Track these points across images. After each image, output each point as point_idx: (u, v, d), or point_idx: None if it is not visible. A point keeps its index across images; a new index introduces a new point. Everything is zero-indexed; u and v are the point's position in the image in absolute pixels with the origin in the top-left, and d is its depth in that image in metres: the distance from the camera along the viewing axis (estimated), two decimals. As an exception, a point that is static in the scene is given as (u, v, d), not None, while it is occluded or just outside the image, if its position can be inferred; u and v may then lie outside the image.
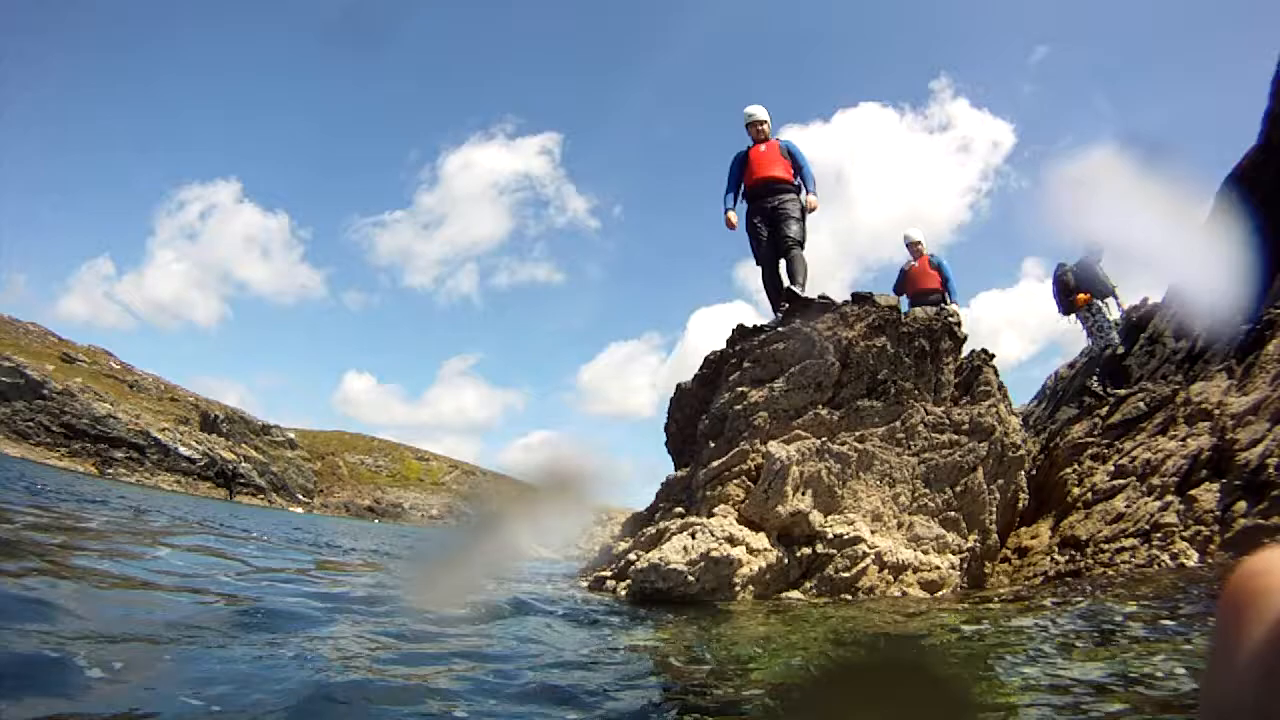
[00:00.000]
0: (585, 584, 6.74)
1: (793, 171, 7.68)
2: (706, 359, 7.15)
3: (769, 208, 7.55)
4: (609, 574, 6.31)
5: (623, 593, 5.94)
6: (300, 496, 58.68)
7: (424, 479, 70.05)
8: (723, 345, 7.13)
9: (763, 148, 7.77)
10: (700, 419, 6.61)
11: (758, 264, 7.60)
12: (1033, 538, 8.39)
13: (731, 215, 7.71)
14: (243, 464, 54.08)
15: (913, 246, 9.95)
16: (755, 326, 6.96)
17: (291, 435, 63.39)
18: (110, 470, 46.03)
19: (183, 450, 50.58)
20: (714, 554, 5.26)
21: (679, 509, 6.16)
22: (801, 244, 7.37)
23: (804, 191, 7.62)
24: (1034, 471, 9.24)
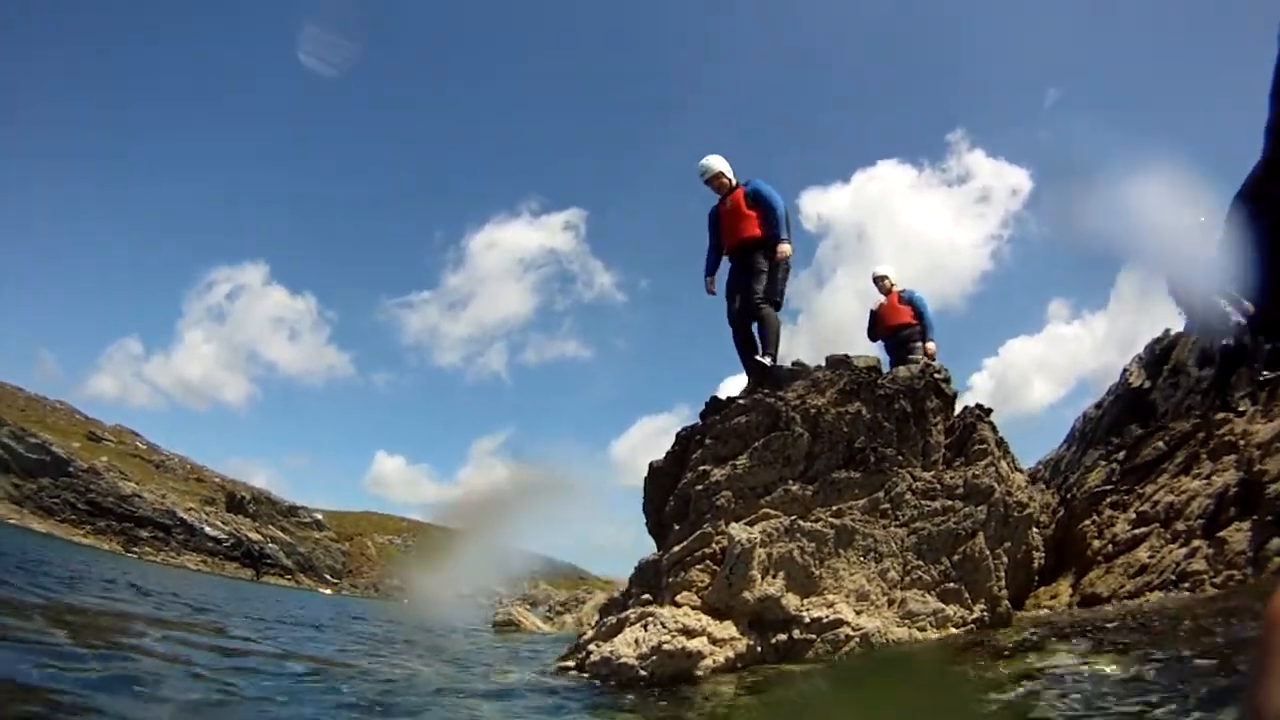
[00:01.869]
0: (553, 669, 6.33)
1: (761, 220, 6.92)
2: (678, 435, 6.71)
3: (740, 267, 7.01)
4: (571, 664, 5.88)
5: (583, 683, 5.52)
6: (328, 577, 58.31)
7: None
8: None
9: (728, 203, 7.11)
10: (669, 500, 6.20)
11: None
12: (1052, 598, 7.87)
13: (710, 282, 7.20)
14: (269, 545, 54.15)
15: (879, 282, 9.31)
16: (727, 399, 6.54)
17: (319, 516, 63.22)
18: (135, 549, 46.40)
19: (209, 530, 50.97)
20: (666, 647, 4.82)
21: (646, 595, 5.72)
22: (772, 301, 6.73)
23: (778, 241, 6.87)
24: (1051, 526, 8.71)
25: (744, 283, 6.92)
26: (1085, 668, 4.11)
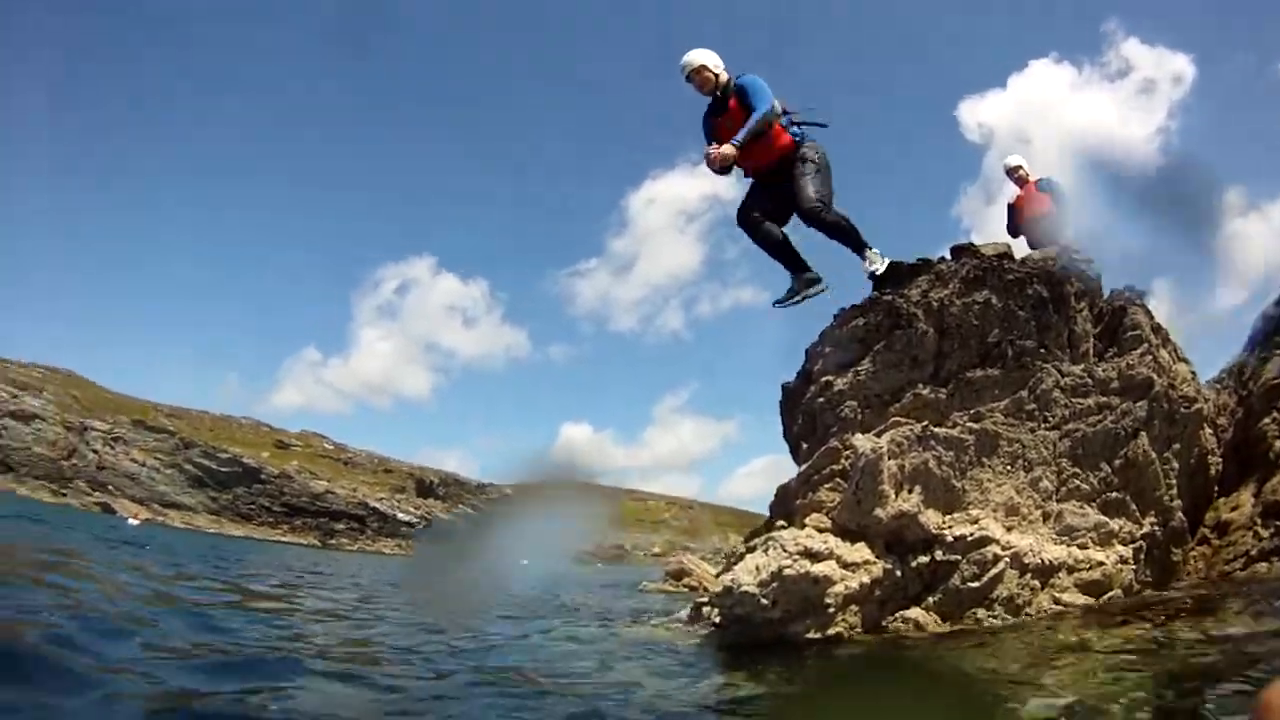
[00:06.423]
0: (688, 612, 6.05)
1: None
2: (807, 351, 6.15)
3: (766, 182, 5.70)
4: (705, 599, 5.55)
5: (716, 620, 5.19)
6: (522, 547, 60.48)
7: (642, 519, 70.60)
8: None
9: (726, 108, 5.61)
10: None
11: None
12: (1233, 509, 6.96)
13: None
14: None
15: (1013, 173, 8.47)
16: (854, 306, 5.85)
17: (508, 491, 65.19)
18: (333, 541, 49.96)
19: (400, 516, 54.15)
20: (788, 572, 4.38)
21: (781, 522, 5.30)
22: (828, 204, 5.43)
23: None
24: (1230, 430, 7.76)
25: (773, 195, 5.67)
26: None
